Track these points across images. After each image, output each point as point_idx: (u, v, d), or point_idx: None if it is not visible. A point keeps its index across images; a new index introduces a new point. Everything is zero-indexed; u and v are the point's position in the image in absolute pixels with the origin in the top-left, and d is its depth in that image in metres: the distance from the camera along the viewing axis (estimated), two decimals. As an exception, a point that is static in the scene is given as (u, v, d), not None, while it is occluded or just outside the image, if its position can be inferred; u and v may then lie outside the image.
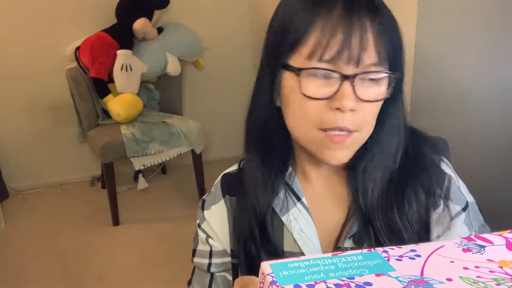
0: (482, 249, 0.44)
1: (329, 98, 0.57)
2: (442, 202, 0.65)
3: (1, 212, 2.52)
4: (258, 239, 0.66)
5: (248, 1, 2.92)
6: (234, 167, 0.76)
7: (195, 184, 2.63)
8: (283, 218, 0.67)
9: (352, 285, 0.37)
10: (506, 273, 0.39)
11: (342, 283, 0.38)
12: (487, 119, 1.38)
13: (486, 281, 0.38)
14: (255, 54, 3.02)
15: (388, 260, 0.42)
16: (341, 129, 0.58)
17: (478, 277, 0.39)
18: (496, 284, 0.38)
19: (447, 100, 1.47)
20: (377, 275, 0.39)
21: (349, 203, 0.68)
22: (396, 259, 0.42)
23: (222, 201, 0.73)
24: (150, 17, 2.54)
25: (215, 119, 3.07)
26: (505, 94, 1.30)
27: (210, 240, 0.73)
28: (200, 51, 2.76)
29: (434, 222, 0.65)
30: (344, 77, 0.56)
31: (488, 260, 0.42)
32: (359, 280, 0.38)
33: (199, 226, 0.76)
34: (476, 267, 0.40)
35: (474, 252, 0.43)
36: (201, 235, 0.75)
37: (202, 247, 0.75)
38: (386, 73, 0.58)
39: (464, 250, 0.43)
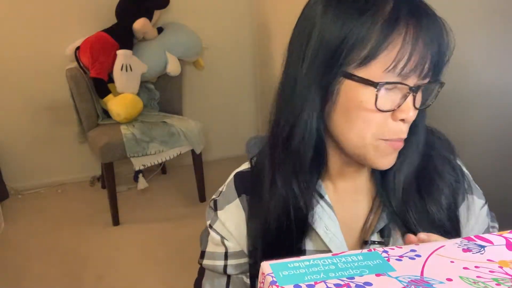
0: (482, 249, 0.44)
1: (396, 109, 0.57)
2: (466, 195, 0.67)
3: (1, 212, 2.51)
4: (281, 237, 0.65)
5: (248, 1, 2.92)
6: (245, 166, 0.75)
7: (195, 184, 2.63)
8: (308, 216, 0.66)
9: (352, 285, 0.37)
10: (506, 273, 0.39)
11: (342, 283, 0.37)
12: (487, 119, 1.38)
13: (486, 281, 0.38)
14: (255, 54, 3.02)
15: (388, 260, 0.41)
16: (401, 138, 0.59)
17: (478, 277, 0.39)
18: (496, 284, 0.38)
19: (447, 100, 1.47)
20: (377, 275, 0.39)
21: (372, 197, 0.68)
22: (396, 259, 0.42)
23: (237, 200, 0.71)
24: (150, 17, 2.54)
25: (215, 119, 3.07)
26: (506, 94, 1.30)
27: (225, 242, 0.71)
28: (200, 51, 2.76)
29: (463, 213, 0.67)
30: (412, 90, 0.57)
31: (488, 260, 0.42)
32: (359, 280, 0.38)
33: (210, 227, 0.73)
34: (476, 267, 0.40)
35: (474, 252, 0.43)
36: (214, 236, 0.72)
37: (214, 248, 0.73)
38: (440, 82, 0.60)
39: (464, 250, 0.43)
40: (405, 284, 0.38)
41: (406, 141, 0.62)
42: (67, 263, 2.17)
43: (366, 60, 0.56)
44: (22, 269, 2.14)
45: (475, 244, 0.45)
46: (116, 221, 2.45)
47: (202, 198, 2.64)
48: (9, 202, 2.72)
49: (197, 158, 2.55)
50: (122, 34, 2.47)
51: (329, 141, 0.64)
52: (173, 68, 2.58)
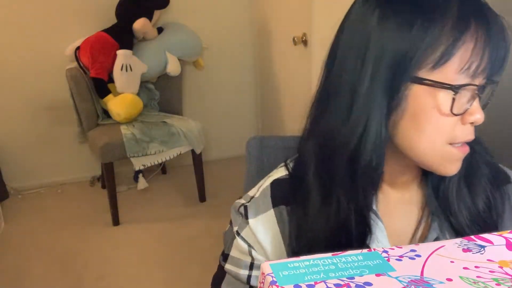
0: (482, 249, 0.43)
1: (465, 112, 0.56)
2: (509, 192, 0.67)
3: (1, 212, 2.51)
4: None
5: (248, 1, 2.92)
6: (282, 173, 0.70)
7: (195, 184, 2.63)
8: (367, 235, 0.62)
9: (352, 285, 0.37)
10: (506, 273, 0.39)
11: (342, 283, 0.37)
12: (487, 119, 1.38)
13: (486, 281, 0.38)
14: (255, 54, 3.02)
15: (388, 260, 0.41)
16: (468, 141, 0.58)
17: (478, 277, 0.39)
18: (496, 284, 0.37)
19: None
20: (377, 275, 0.39)
21: (421, 207, 0.66)
22: (396, 259, 0.41)
23: (272, 211, 0.67)
24: (150, 17, 2.54)
25: (215, 119, 3.07)
26: (506, 94, 1.30)
27: (253, 252, 0.67)
28: (200, 51, 2.76)
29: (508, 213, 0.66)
30: (479, 91, 0.55)
31: (488, 260, 0.41)
32: (359, 280, 0.38)
33: (238, 233, 0.68)
34: (476, 267, 0.40)
35: (474, 252, 0.43)
36: (241, 244, 0.68)
37: (240, 256, 0.69)
38: (495, 82, 0.59)
39: (464, 250, 0.43)
40: (405, 284, 0.37)
41: None
42: (67, 263, 2.17)
43: (440, 63, 0.54)
44: (22, 269, 2.14)
45: (475, 244, 0.45)
46: (116, 221, 2.45)
47: (202, 198, 2.64)
48: (9, 202, 2.72)
49: (197, 158, 2.55)
50: (122, 34, 2.47)
51: (388, 151, 0.60)
52: (173, 68, 2.58)
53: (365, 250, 0.43)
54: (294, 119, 2.49)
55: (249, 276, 0.68)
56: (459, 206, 0.63)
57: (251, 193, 0.71)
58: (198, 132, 2.48)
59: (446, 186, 0.64)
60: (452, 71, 0.54)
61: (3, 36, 2.58)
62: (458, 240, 0.46)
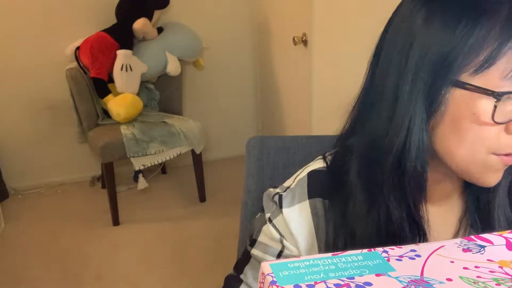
0: (482, 249, 0.43)
1: (509, 122, 0.52)
2: None
3: (1, 212, 2.51)
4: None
5: (248, 1, 2.92)
6: (320, 164, 0.68)
7: (195, 184, 2.63)
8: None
9: (352, 285, 0.37)
10: (506, 273, 0.39)
11: (342, 283, 0.37)
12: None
13: (486, 281, 0.38)
14: (255, 54, 3.02)
15: (388, 260, 0.41)
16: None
17: (478, 277, 0.39)
18: (496, 284, 0.37)
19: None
20: (377, 275, 0.39)
21: (459, 219, 0.65)
22: (396, 259, 0.41)
23: (307, 202, 0.65)
24: (150, 17, 2.54)
25: (215, 119, 3.07)
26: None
27: (284, 241, 0.66)
28: (200, 51, 2.76)
29: None
30: None
31: (488, 260, 0.41)
32: (359, 280, 0.38)
33: (270, 220, 0.66)
34: (476, 267, 0.40)
35: (474, 252, 0.43)
36: (272, 231, 0.66)
37: (269, 242, 0.67)
38: None
39: (464, 250, 0.43)
40: (405, 284, 0.37)
41: None
42: (67, 263, 2.17)
43: (483, 67, 0.51)
44: (22, 269, 2.14)
45: (475, 244, 0.44)
46: (116, 221, 2.45)
47: (202, 198, 2.64)
48: (9, 202, 2.72)
49: (197, 158, 2.55)
50: (122, 34, 2.47)
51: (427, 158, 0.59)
52: (173, 68, 2.58)
53: (365, 250, 0.43)
54: (294, 119, 2.49)
55: None
56: (499, 219, 0.61)
57: (286, 183, 0.69)
58: (198, 132, 2.48)
59: (488, 198, 0.61)
60: (496, 77, 0.51)
61: (3, 36, 2.58)
62: (458, 240, 0.45)
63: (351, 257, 0.42)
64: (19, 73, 2.65)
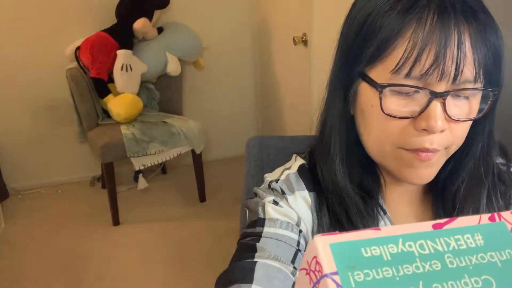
0: None
1: (415, 117, 0.51)
2: None
3: (1, 212, 2.51)
4: None
5: (248, 1, 2.92)
6: (300, 161, 0.67)
7: (195, 184, 2.63)
8: None
9: None
10: None
11: None
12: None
13: None
14: (255, 54, 3.02)
15: None
16: (430, 151, 0.52)
17: None
18: None
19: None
20: None
21: (428, 207, 0.64)
22: None
23: (306, 192, 0.63)
24: (150, 17, 2.53)
25: (215, 119, 3.07)
26: (505, 94, 1.30)
27: (302, 223, 0.61)
28: (200, 51, 2.76)
29: None
30: (434, 95, 0.49)
31: None
32: None
33: (276, 203, 0.61)
34: None
35: None
36: (285, 209, 0.60)
37: (284, 218, 0.60)
38: (482, 89, 0.51)
39: None
40: None
41: (460, 149, 0.56)
42: (67, 263, 2.17)
43: (376, 57, 0.51)
44: (22, 269, 2.14)
45: None
46: (116, 221, 2.45)
47: (202, 198, 2.64)
48: (9, 202, 2.72)
49: (197, 158, 2.55)
50: (122, 34, 2.47)
51: None
52: (173, 68, 2.58)
53: (485, 217, 0.26)
54: (294, 119, 2.49)
55: (298, 242, 0.59)
56: (463, 211, 0.59)
57: (273, 176, 0.66)
58: (198, 132, 2.48)
59: (450, 189, 0.60)
60: (386, 70, 0.50)
61: (3, 36, 2.58)
62: None
63: (465, 238, 0.25)
64: (19, 73, 2.65)
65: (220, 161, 3.06)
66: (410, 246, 0.24)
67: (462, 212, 0.59)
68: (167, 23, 2.70)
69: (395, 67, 0.49)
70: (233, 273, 0.53)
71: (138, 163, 2.34)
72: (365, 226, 0.58)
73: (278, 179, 0.65)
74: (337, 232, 0.24)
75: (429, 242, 0.24)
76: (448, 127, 0.52)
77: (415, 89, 0.50)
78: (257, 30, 2.92)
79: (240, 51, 3.02)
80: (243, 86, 3.10)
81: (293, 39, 2.09)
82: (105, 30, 2.46)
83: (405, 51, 0.49)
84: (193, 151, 2.50)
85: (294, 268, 0.55)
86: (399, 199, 0.64)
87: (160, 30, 2.62)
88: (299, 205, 0.62)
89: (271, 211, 0.60)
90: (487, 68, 0.50)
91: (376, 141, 0.55)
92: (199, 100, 3.01)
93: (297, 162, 0.68)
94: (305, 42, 2.07)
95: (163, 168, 3.01)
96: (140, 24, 2.46)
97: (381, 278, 0.22)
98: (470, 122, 0.54)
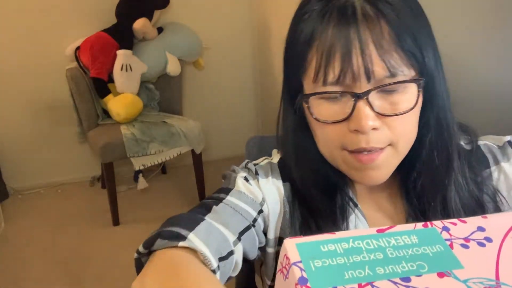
0: None
1: (346, 119, 0.53)
2: (496, 168, 0.62)
3: (1, 212, 2.51)
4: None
5: (248, 1, 2.92)
6: (278, 157, 0.70)
7: (195, 184, 2.63)
8: (342, 227, 0.60)
9: None
10: None
11: None
12: (486, 118, 1.38)
13: None
14: (255, 54, 3.02)
15: (451, 246, 0.32)
16: (367, 150, 0.53)
17: None
18: None
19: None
20: (440, 275, 0.29)
21: (404, 219, 0.63)
22: (462, 245, 0.32)
23: (281, 182, 0.65)
24: (150, 17, 2.54)
25: (215, 119, 3.07)
26: (504, 93, 1.30)
27: (265, 205, 0.62)
28: (200, 51, 2.76)
29: (502, 185, 0.61)
30: (357, 96, 0.51)
31: None
32: (417, 283, 0.28)
33: (246, 180, 0.64)
34: None
35: None
36: (253, 187, 0.63)
37: (249, 193, 0.62)
38: (400, 82, 0.51)
39: None
40: None
41: (421, 154, 0.57)
42: (67, 263, 2.17)
43: (301, 73, 0.56)
44: (22, 269, 2.14)
45: None
46: (116, 221, 2.45)
47: (202, 198, 2.64)
48: (9, 202, 2.72)
49: (197, 158, 2.55)
50: (122, 34, 2.47)
51: None
52: (173, 68, 2.58)
53: (419, 225, 0.33)
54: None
55: (255, 219, 0.61)
56: (431, 200, 0.60)
57: (252, 162, 0.69)
58: (198, 132, 2.48)
59: (411, 182, 0.61)
60: (310, 81, 0.54)
61: (3, 36, 2.58)
62: None
63: (403, 238, 0.32)
64: (19, 73, 2.65)
65: (220, 161, 3.06)
66: (358, 243, 0.31)
67: (431, 201, 0.59)
68: (167, 23, 2.70)
69: (313, 76, 0.53)
70: (179, 219, 0.56)
71: (138, 163, 2.34)
72: (336, 219, 0.60)
73: (257, 163, 0.68)
74: (302, 235, 0.31)
75: (374, 241, 0.31)
76: (383, 124, 0.53)
77: (336, 94, 0.52)
78: (257, 30, 2.92)
79: (240, 51, 3.02)
80: (243, 86, 3.10)
81: (293, 39, 2.08)
82: (105, 30, 2.46)
83: (316, 60, 0.52)
84: (193, 151, 2.50)
85: (238, 238, 0.57)
86: (369, 193, 0.64)
87: (160, 30, 2.62)
88: (269, 189, 0.64)
89: (240, 184, 0.63)
90: (409, 58, 0.51)
91: (325, 147, 0.58)
92: (199, 100, 3.01)
93: (278, 156, 0.71)
94: (305, 42, 2.07)
95: (163, 168, 3.01)
96: (140, 24, 2.46)
97: (335, 264, 0.29)
98: (413, 116, 0.54)
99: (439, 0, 1.43)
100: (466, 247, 0.32)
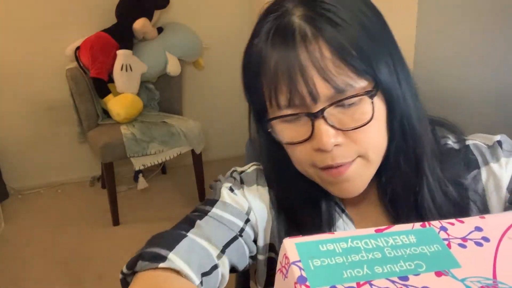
0: None
1: (308, 139, 0.53)
2: (484, 169, 0.61)
3: (1, 212, 2.51)
4: None
5: (248, 1, 2.92)
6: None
7: (195, 184, 2.63)
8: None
9: None
10: None
11: (393, 286, 0.29)
12: (486, 118, 1.38)
13: None
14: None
15: (449, 245, 0.32)
16: (334, 166, 0.53)
17: None
18: None
19: (447, 99, 1.47)
20: (438, 274, 0.30)
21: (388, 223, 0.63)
22: (459, 245, 0.32)
23: (267, 189, 0.65)
24: (150, 17, 2.54)
25: (215, 119, 3.07)
26: (504, 93, 1.30)
27: (251, 214, 0.63)
28: (200, 51, 2.76)
29: (490, 187, 0.60)
30: (313, 116, 0.51)
31: None
32: (415, 282, 0.29)
33: (232, 190, 0.64)
34: None
35: None
36: (238, 197, 0.63)
37: (234, 204, 0.62)
38: (352, 97, 0.51)
39: None
40: None
41: (392, 162, 0.57)
42: (67, 263, 2.17)
43: (258, 96, 0.56)
44: (22, 269, 2.14)
45: None
46: (116, 221, 2.45)
47: (202, 198, 2.64)
48: (9, 202, 2.72)
49: (197, 158, 2.55)
50: (122, 34, 2.47)
51: None
52: (173, 68, 2.58)
53: (417, 225, 0.34)
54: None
55: (242, 229, 0.61)
56: (403, 205, 0.60)
57: (238, 169, 0.70)
58: (198, 132, 2.48)
59: (387, 189, 0.61)
60: (269, 105, 0.55)
61: (2, 36, 2.58)
62: None
63: (401, 237, 0.32)
64: (19, 73, 2.65)
65: (220, 161, 3.06)
66: (357, 243, 0.31)
67: (404, 206, 0.59)
68: (167, 23, 2.70)
69: (268, 102, 0.54)
70: (160, 238, 0.57)
71: (138, 163, 2.34)
72: (321, 223, 0.61)
73: (243, 171, 0.68)
74: (300, 235, 0.32)
75: (372, 241, 0.32)
76: (346, 138, 0.52)
77: (293, 116, 0.53)
78: (257, 30, 2.92)
79: (240, 51, 2.96)
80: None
81: (293, 39, 2.08)
82: (105, 30, 2.46)
83: (266, 86, 0.53)
84: (193, 151, 2.50)
85: (222, 251, 0.57)
86: (353, 198, 0.63)
87: (160, 30, 2.62)
88: (255, 197, 0.64)
89: (225, 195, 0.63)
90: (357, 71, 0.50)
91: (298, 166, 0.58)
92: (199, 100, 3.01)
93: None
94: (305, 42, 2.07)
95: (163, 168, 3.01)
96: (140, 24, 2.46)
97: (334, 263, 0.30)
98: (377, 125, 0.54)
99: (439, 1, 1.43)
100: (463, 246, 0.32)
